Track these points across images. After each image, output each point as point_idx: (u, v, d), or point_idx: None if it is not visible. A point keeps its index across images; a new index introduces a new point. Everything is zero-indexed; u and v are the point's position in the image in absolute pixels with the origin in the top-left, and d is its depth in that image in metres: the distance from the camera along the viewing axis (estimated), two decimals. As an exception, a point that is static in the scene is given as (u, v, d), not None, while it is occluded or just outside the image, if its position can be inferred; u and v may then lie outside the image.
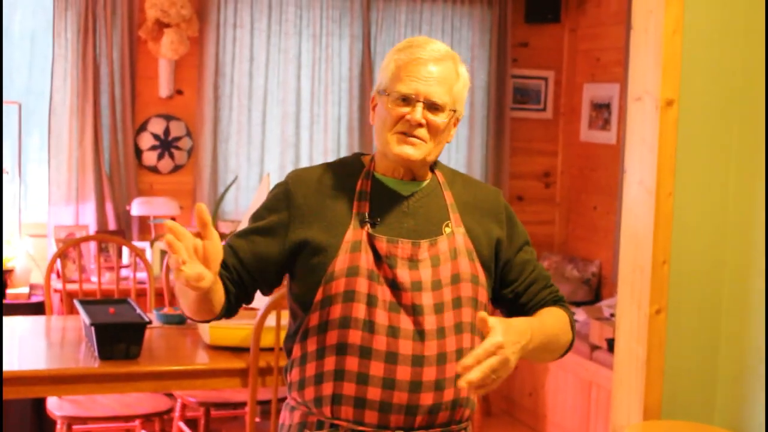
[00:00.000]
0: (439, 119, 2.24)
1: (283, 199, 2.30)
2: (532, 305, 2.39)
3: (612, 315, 5.51)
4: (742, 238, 3.45)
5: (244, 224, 3.97)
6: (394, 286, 2.22)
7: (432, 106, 2.23)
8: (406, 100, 2.23)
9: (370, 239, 2.24)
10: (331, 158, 5.96)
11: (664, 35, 3.33)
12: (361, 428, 2.21)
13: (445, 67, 2.25)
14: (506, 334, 2.06)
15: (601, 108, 6.62)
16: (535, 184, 7.03)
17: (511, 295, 2.39)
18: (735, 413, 3.48)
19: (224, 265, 2.24)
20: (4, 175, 5.64)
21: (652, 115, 3.37)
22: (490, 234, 2.36)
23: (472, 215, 2.35)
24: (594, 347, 5.42)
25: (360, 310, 2.20)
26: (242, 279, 2.28)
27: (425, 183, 2.34)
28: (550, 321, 2.32)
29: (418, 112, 2.22)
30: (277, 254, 2.28)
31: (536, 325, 2.22)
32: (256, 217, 2.33)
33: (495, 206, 2.40)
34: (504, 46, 6.70)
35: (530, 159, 7.00)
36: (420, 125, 2.22)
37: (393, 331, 2.20)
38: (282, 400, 3.79)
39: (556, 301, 2.41)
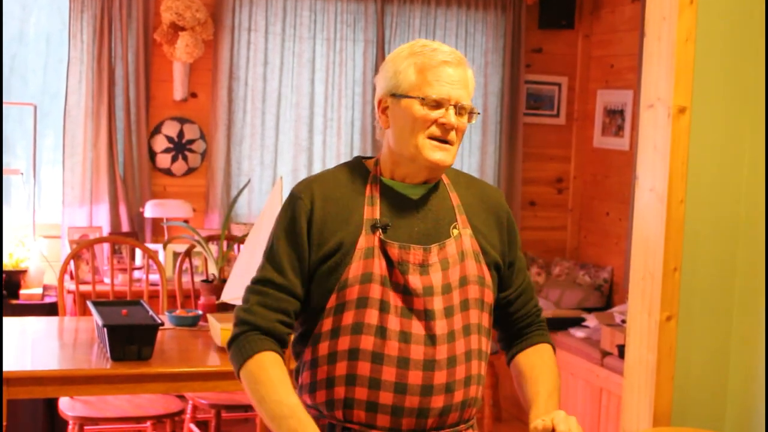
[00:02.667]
0: (465, 122, 2.27)
1: (304, 218, 2.26)
2: (518, 316, 2.45)
3: (623, 321, 5.51)
4: (753, 246, 3.45)
5: (259, 230, 3.98)
6: (406, 291, 2.23)
7: (460, 110, 2.25)
8: (437, 104, 2.23)
9: (383, 245, 2.25)
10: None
11: (677, 43, 3.33)
12: (373, 431, 2.23)
13: (463, 70, 2.27)
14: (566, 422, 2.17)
15: (615, 114, 6.62)
16: (548, 190, 7.03)
17: (503, 301, 2.43)
18: (745, 420, 3.48)
19: (285, 311, 2.24)
20: (19, 177, 5.67)
21: (665, 122, 3.37)
22: (494, 235, 2.38)
23: (477, 216, 2.37)
24: (605, 353, 5.42)
25: (373, 316, 2.21)
26: (297, 316, 2.29)
27: (432, 185, 2.35)
28: (554, 378, 2.38)
29: (452, 116, 2.23)
30: (308, 279, 2.28)
31: (557, 395, 2.33)
32: (282, 243, 2.27)
33: (498, 207, 2.42)
34: (518, 51, 6.71)
35: (543, 164, 7.01)
36: (452, 128, 2.24)
37: (405, 337, 2.21)
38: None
39: (538, 318, 2.48)
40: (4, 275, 5.35)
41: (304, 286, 2.26)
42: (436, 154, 2.25)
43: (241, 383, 2.22)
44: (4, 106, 4.97)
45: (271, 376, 2.16)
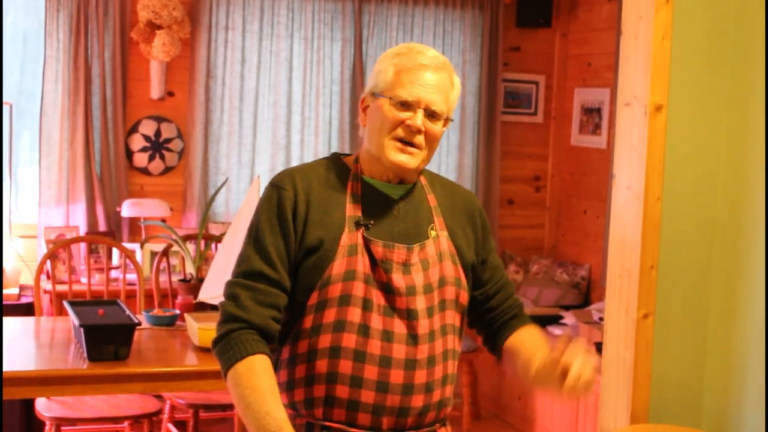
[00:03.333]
0: (437, 128, 2.26)
1: (289, 208, 2.24)
2: (500, 311, 2.46)
3: (601, 319, 5.53)
4: (729, 243, 3.46)
5: (236, 229, 3.97)
6: (389, 290, 2.23)
7: (431, 114, 2.25)
8: (406, 105, 2.23)
9: (366, 243, 2.25)
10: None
11: (653, 41, 3.35)
12: (353, 430, 2.23)
13: (443, 75, 2.27)
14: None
15: (592, 112, 6.64)
16: (526, 188, 7.04)
17: (481, 297, 2.43)
18: (722, 417, 3.50)
19: (277, 307, 2.22)
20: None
21: (641, 120, 3.39)
22: (468, 235, 2.39)
23: (452, 217, 2.38)
24: (583, 351, 5.43)
25: (356, 314, 2.21)
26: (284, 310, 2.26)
27: (411, 186, 2.35)
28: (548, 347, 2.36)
29: (419, 119, 2.23)
30: (294, 272, 2.26)
31: None
32: (268, 233, 2.24)
33: (471, 208, 2.44)
34: (495, 50, 6.71)
35: (521, 163, 7.02)
36: (419, 132, 2.24)
37: (387, 336, 2.21)
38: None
39: (521, 311, 2.48)
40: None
41: (290, 279, 2.24)
42: (398, 156, 2.25)
43: (225, 381, 2.19)
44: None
45: (262, 383, 2.13)
